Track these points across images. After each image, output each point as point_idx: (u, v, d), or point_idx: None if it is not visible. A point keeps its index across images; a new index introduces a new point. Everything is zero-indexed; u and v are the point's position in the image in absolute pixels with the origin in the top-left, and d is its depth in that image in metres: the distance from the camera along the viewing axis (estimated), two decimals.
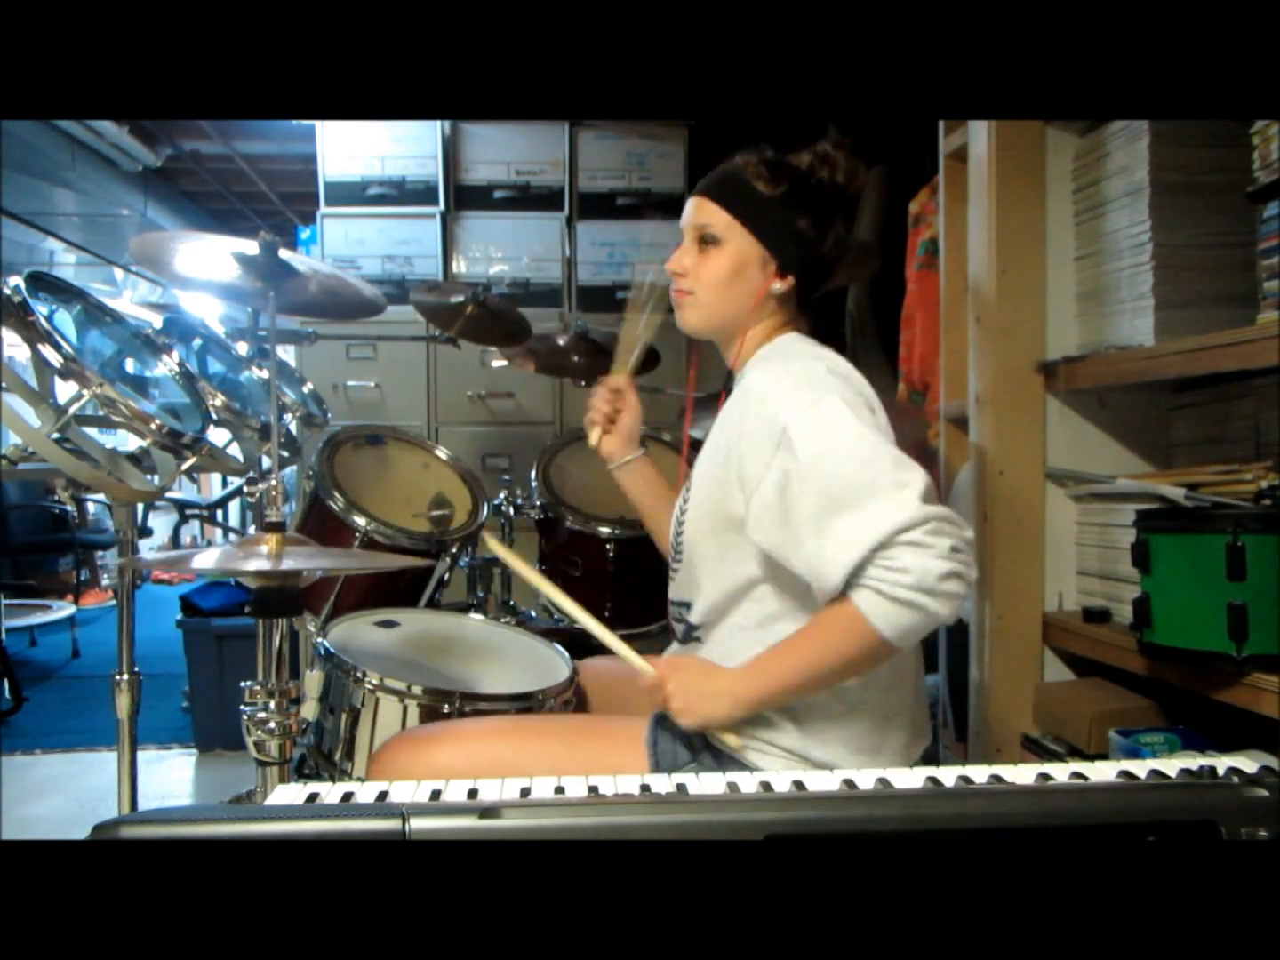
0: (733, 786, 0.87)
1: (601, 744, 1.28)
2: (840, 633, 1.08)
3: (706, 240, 1.29)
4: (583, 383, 2.60)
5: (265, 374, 2.21)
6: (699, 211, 1.29)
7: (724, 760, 1.20)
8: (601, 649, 1.39)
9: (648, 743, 1.24)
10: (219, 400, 1.94)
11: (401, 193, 3.55)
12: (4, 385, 1.49)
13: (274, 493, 1.50)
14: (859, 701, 1.18)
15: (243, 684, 1.48)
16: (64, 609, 5.19)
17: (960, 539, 1.05)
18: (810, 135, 1.28)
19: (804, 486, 1.08)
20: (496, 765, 1.17)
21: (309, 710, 1.50)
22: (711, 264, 1.28)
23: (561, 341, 2.47)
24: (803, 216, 1.25)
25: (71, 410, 1.51)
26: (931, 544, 1.02)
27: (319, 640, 1.63)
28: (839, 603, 1.07)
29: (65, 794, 2.90)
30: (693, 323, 1.33)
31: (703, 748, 1.22)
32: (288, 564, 1.35)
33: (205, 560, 1.56)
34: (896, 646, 1.06)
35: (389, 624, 1.80)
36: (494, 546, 1.54)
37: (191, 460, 1.66)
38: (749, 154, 1.28)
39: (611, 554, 2.12)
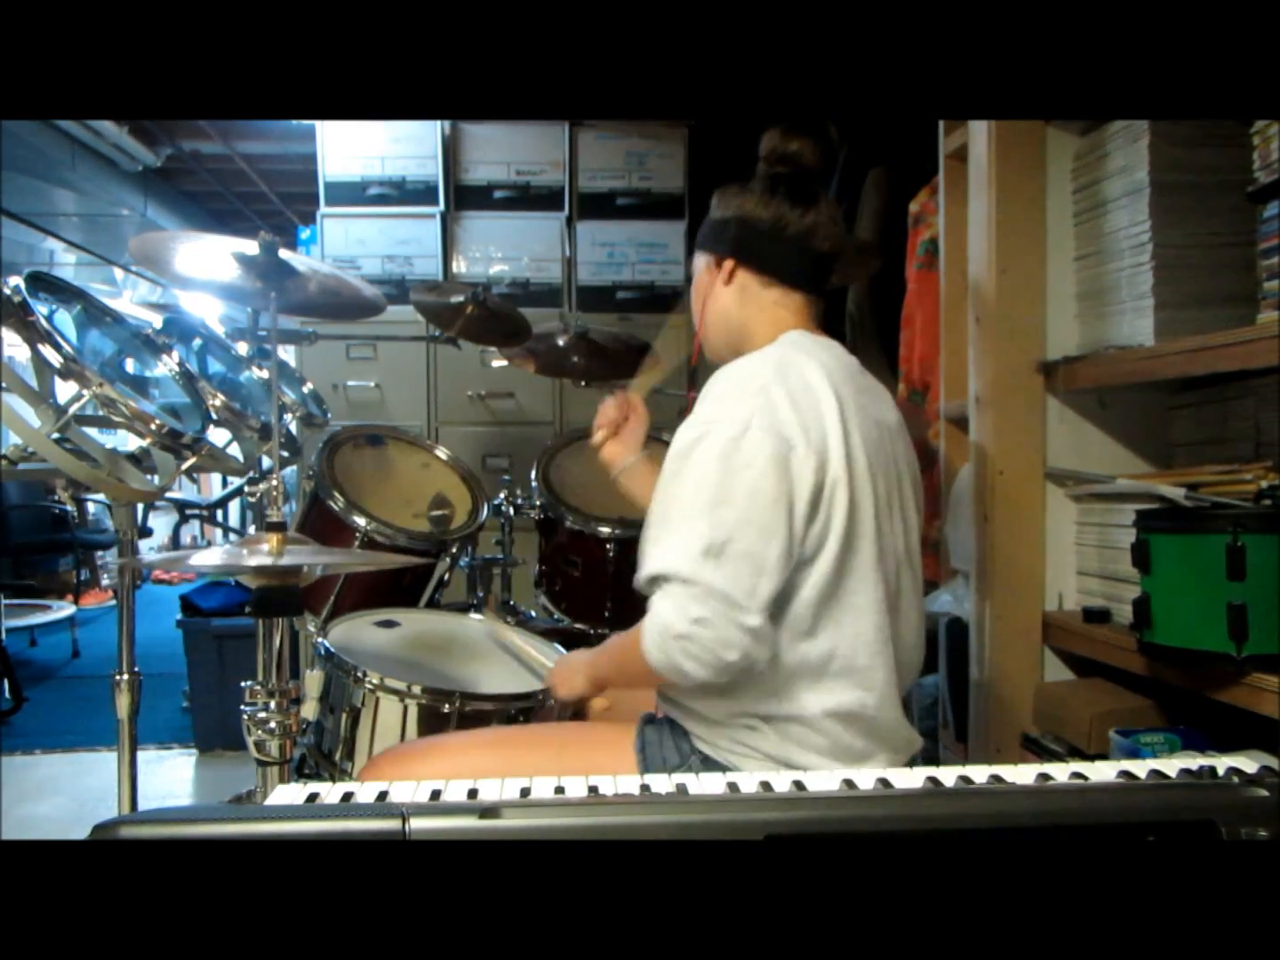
0: (733, 786, 0.87)
1: (591, 751, 1.29)
2: (634, 643, 1.14)
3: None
4: (583, 383, 2.60)
5: (265, 374, 2.21)
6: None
7: (712, 765, 1.20)
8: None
9: (636, 747, 1.24)
10: (219, 400, 1.93)
11: (401, 193, 3.54)
12: (4, 385, 1.49)
13: (274, 493, 1.50)
14: (845, 714, 1.17)
15: (243, 684, 1.48)
16: (64, 609, 5.19)
17: (722, 619, 1.07)
18: (821, 138, 1.29)
19: (659, 490, 1.18)
20: (486, 776, 1.18)
21: (309, 710, 1.50)
22: (692, 301, 1.38)
23: (561, 341, 2.47)
24: (737, 209, 1.29)
25: (71, 410, 1.51)
26: (682, 605, 1.08)
27: (319, 640, 1.64)
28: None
29: (65, 794, 2.90)
30: (708, 354, 1.40)
31: (690, 752, 1.22)
32: (288, 560, 1.35)
33: (205, 560, 1.56)
34: (660, 675, 1.13)
35: (389, 624, 1.80)
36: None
37: (191, 460, 1.66)
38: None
39: (611, 554, 2.12)
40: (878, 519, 1.18)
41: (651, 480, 1.53)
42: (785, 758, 1.17)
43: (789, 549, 1.11)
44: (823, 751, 1.18)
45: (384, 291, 2.47)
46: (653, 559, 1.13)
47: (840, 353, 1.28)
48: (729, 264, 1.30)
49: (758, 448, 1.11)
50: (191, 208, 5.87)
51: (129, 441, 1.77)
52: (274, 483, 1.53)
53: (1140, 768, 0.87)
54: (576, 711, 1.57)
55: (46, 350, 1.45)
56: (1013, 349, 1.88)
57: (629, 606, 2.17)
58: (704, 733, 1.21)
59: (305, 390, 2.55)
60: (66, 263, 6.19)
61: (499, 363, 2.88)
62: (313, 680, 1.52)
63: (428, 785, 0.86)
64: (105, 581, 6.62)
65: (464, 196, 3.60)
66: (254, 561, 1.33)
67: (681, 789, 0.87)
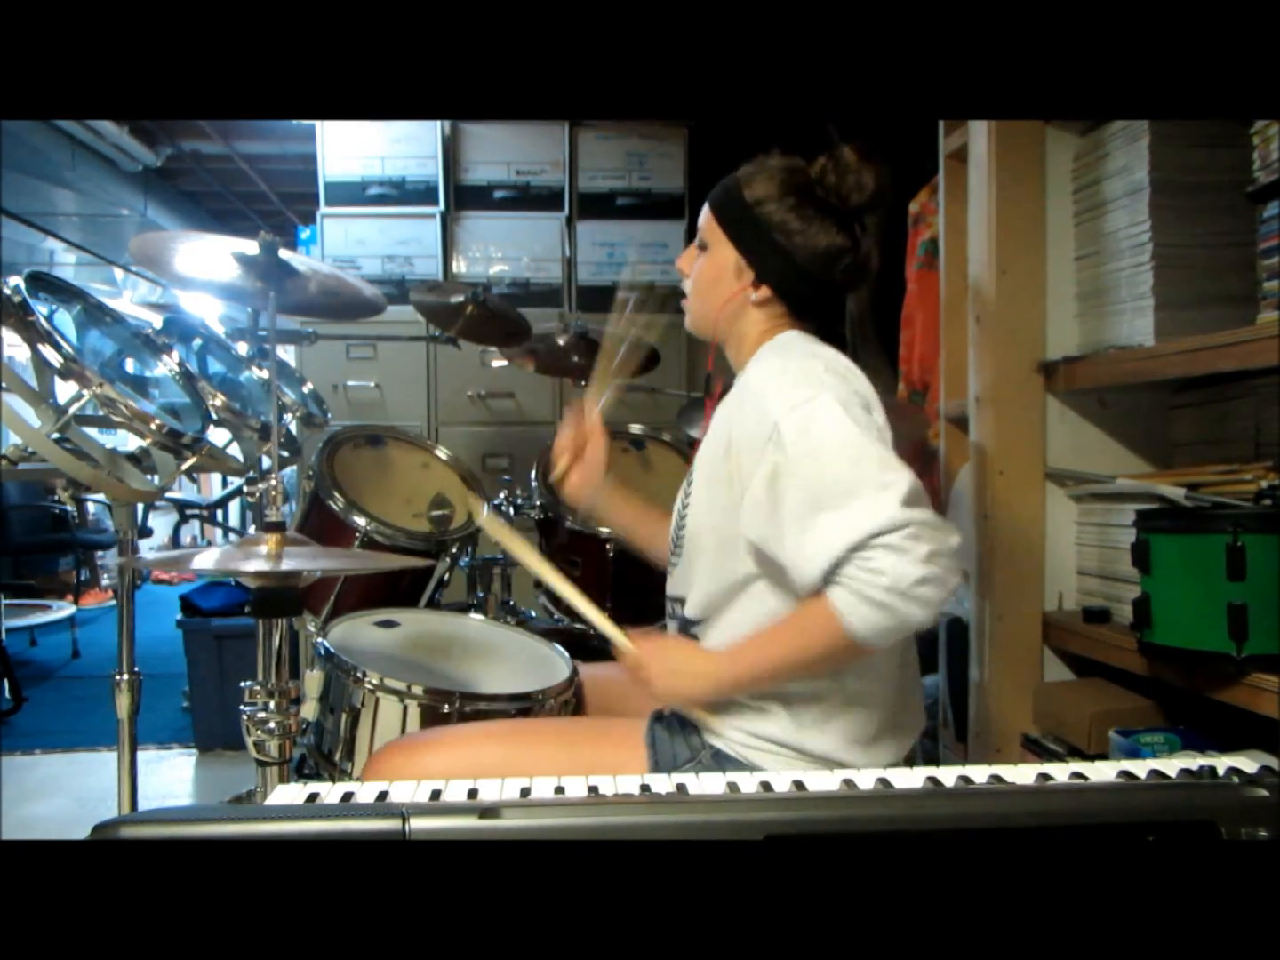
0: (733, 786, 0.87)
1: (600, 745, 1.28)
2: (814, 628, 1.09)
3: (700, 246, 1.32)
4: (583, 383, 2.60)
5: (265, 374, 2.21)
6: (702, 217, 1.32)
7: (723, 759, 1.20)
8: (598, 653, 1.39)
9: (646, 741, 1.24)
10: (219, 400, 1.93)
11: (401, 193, 3.55)
12: (4, 385, 1.49)
13: (274, 493, 1.50)
14: (855, 693, 1.18)
15: (243, 684, 1.48)
16: (64, 609, 5.19)
17: (941, 545, 1.04)
18: (821, 139, 1.27)
19: (791, 482, 1.09)
20: (492, 770, 1.17)
21: (309, 710, 1.50)
22: (699, 268, 1.32)
23: (561, 341, 2.47)
24: (785, 227, 1.24)
25: (71, 410, 1.51)
26: (908, 549, 1.02)
27: (319, 640, 1.63)
28: (816, 599, 1.08)
29: (65, 794, 2.90)
30: (687, 324, 1.38)
31: (701, 746, 1.22)
32: (288, 564, 1.35)
33: (205, 560, 1.56)
34: (868, 646, 1.06)
35: (389, 624, 1.80)
36: (486, 524, 1.54)
37: (191, 460, 1.66)
38: (756, 160, 1.29)
39: (611, 554, 2.12)
40: None
41: (624, 506, 1.52)
42: (798, 744, 1.18)
43: None
44: (838, 733, 1.18)
45: (384, 291, 2.48)
46: (836, 534, 1.04)
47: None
48: (764, 292, 1.26)
49: (859, 400, 1.14)
50: (191, 208, 5.87)
51: (129, 441, 1.77)
52: (273, 482, 1.53)
53: (1140, 768, 0.87)
54: (577, 706, 1.57)
55: (46, 350, 1.45)
56: (1013, 349, 1.88)
57: (629, 606, 2.17)
58: (715, 725, 1.21)
59: (305, 390, 2.55)
60: (66, 263, 6.19)
61: (499, 363, 2.88)
62: (312, 680, 1.52)
63: (428, 785, 0.87)
64: (105, 581, 6.61)
65: (464, 196, 3.60)
66: (252, 565, 1.33)
67: (681, 789, 0.87)
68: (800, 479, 1.08)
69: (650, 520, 1.49)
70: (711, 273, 1.30)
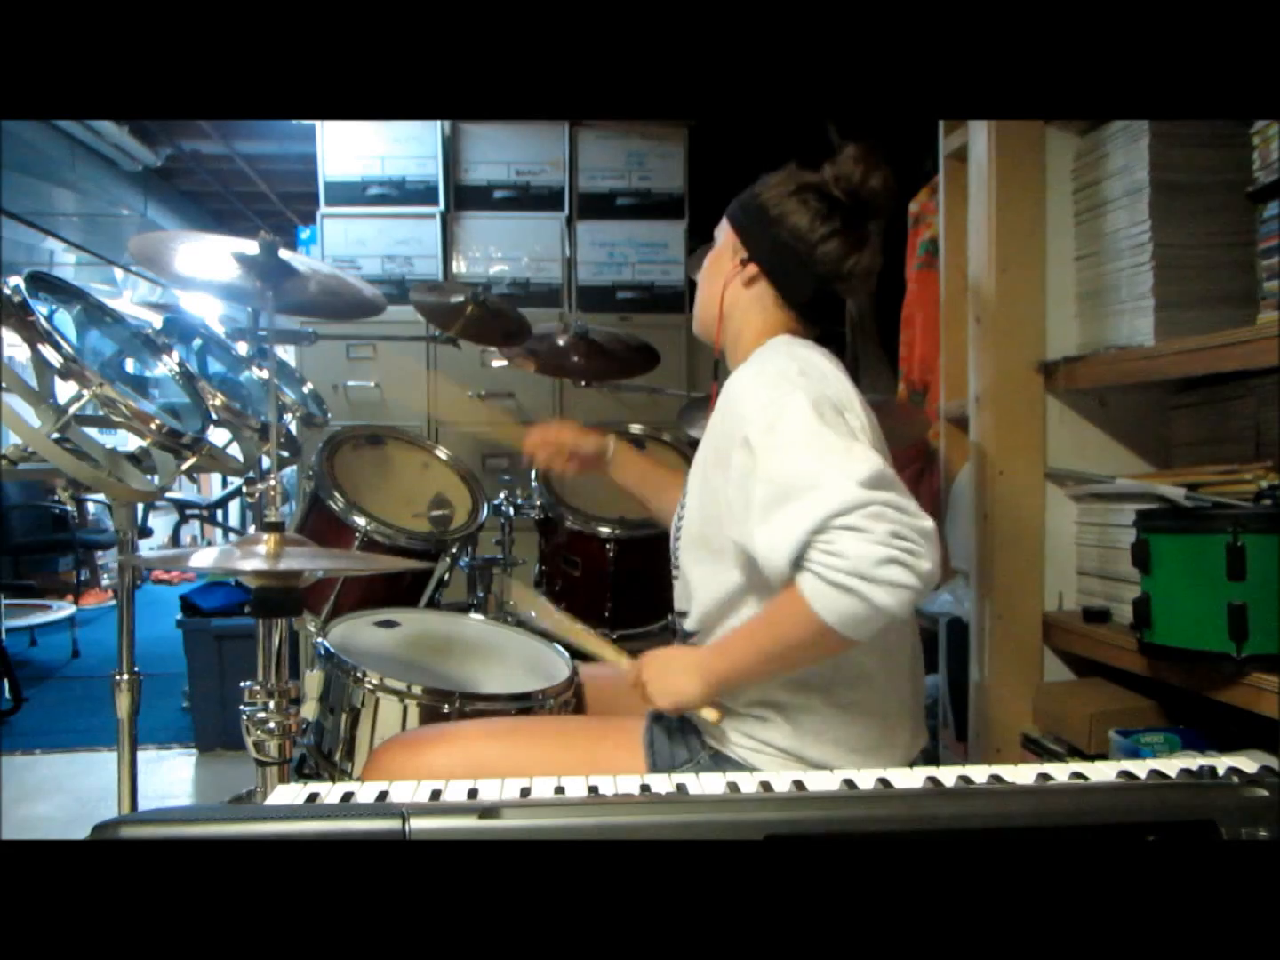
0: (733, 786, 0.87)
1: (599, 744, 1.28)
2: (788, 617, 1.08)
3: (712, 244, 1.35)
4: (583, 383, 2.60)
5: (265, 374, 2.21)
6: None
7: (721, 760, 1.20)
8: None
9: (645, 742, 1.24)
10: (219, 400, 1.94)
11: (401, 193, 3.54)
12: (4, 385, 1.49)
13: (273, 493, 1.50)
14: (853, 702, 1.18)
15: (243, 684, 1.48)
16: (64, 609, 5.19)
17: (905, 525, 1.01)
18: (821, 139, 1.28)
19: (757, 478, 1.10)
20: (493, 767, 1.17)
21: (309, 710, 1.50)
22: (705, 261, 1.36)
23: (561, 341, 2.47)
24: (781, 208, 1.26)
25: (71, 410, 1.51)
26: (868, 528, 1.00)
27: (319, 640, 1.63)
28: (789, 589, 1.07)
29: (65, 794, 2.90)
30: (694, 327, 1.40)
31: (700, 748, 1.22)
32: (286, 564, 1.35)
33: (204, 559, 1.56)
34: (843, 634, 1.04)
35: (389, 624, 1.80)
36: (523, 596, 1.56)
37: (191, 460, 1.66)
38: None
39: (611, 554, 2.12)
40: None
41: (638, 461, 1.56)
42: (798, 751, 1.18)
43: None
44: (836, 743, 1.18)
45: (384, 291, 2.48)
46: (798, 520, 1.03)
47: (828, 352, 1.29)
48: (752, 269, 1.28)
49: (831, 401, 1.13)
50: (191, 208, 5.87)
51: (129, 441, 1.77)
52: (272, 482, 1.52)
53: (1140, 768, 0.87)
54: (577, 706, 1.57)
55: (46, 350, 1.45)
56: (1013, 349, 1.88)
57: (629, 606, 2.18)
58: (718, 727, 1.21)
59: (305, 390, 2.55)
60: (66, 263, 6.19)
61: (499, 363, 2.88)
62: (312, 680, 1.52)
63: (428, 785, 0.87)
64: (105, 581, 6.61)
65: (464, 196, 3.60)
66: (252, 565, 1.33)
67: (681, 789, 0.87)
68: (766, 474, 1.09)
69: (666, 489, 1.52)
70: (713, 259, 1.34)
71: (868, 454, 1.06)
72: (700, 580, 1.24)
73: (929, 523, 1.04)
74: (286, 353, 3.08)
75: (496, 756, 1.25)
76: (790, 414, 1.10)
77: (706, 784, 0.89)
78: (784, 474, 1.07)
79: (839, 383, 1.19)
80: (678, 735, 1.24)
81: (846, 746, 1.18)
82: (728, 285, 1.30)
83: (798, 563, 1.04)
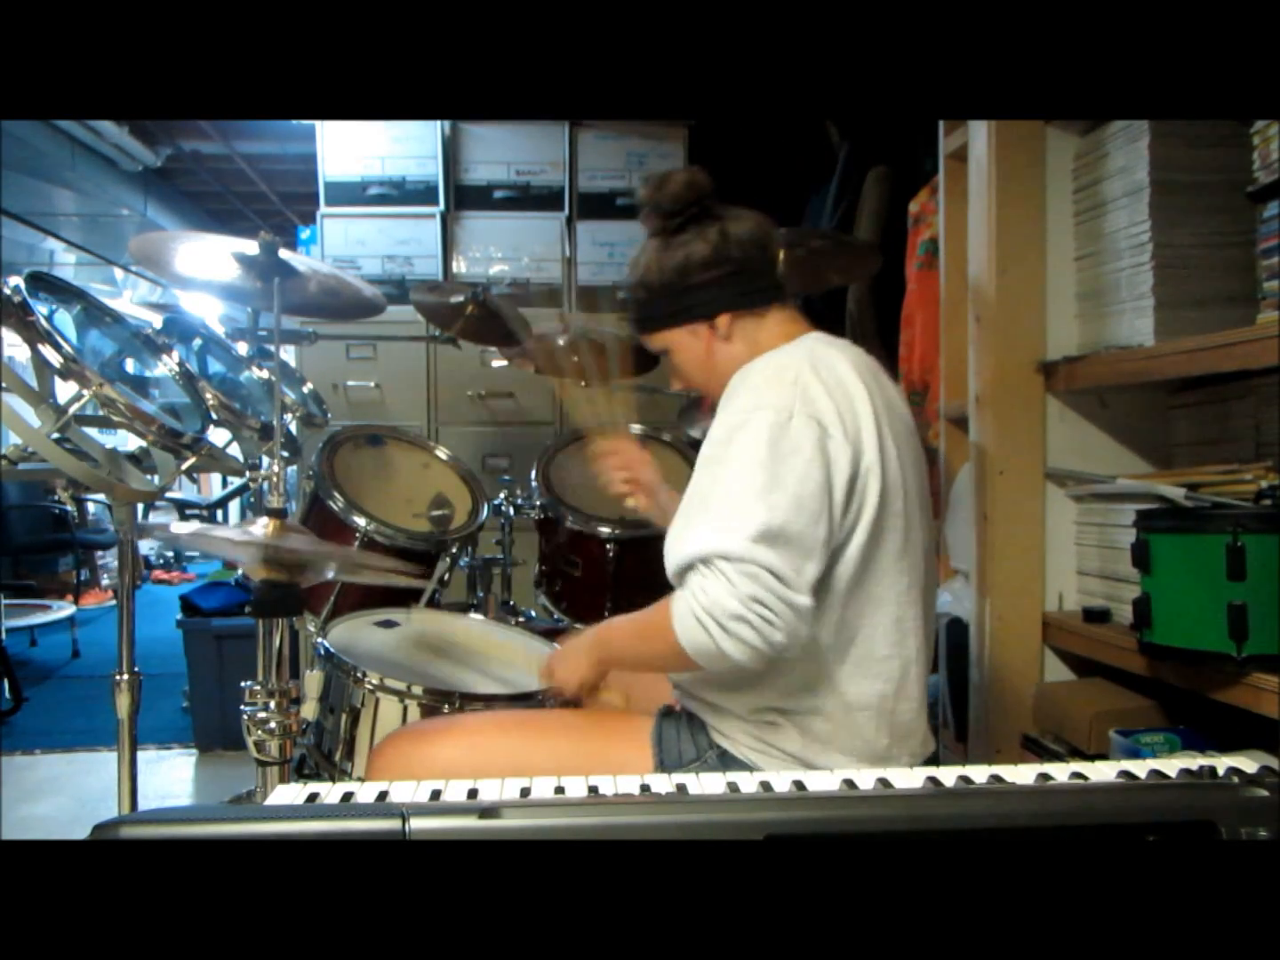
0: (733, 786, 0.87)
1: (607, 740, 1.28)
2: (655, 625, 1.13)
3: (664, 355, 1.34)
4: (583, 383, 2.59)
5: (265, 374, 2.21)
6: (645, 344, 1.35)
7: (729, 760, 1.20)
8: None
9: (653, 739, 1.24)
10: (219, 400, 1.93)
11: (401, 193, 3.54)
12: (4, 385, 1.49)
13: (275, 479, 1.50)
14: (864, 709, 1.18)
15: (243, 684, 1.48)
16: (64, 609, 5.19)
17: (773, 595, 1.04)
18: (821, 138, 1.28)
19: (694, 479, 1.15)
20: (500, 760, 1.17)
21: (309, 710, 1.50)
22: (680, 368, 1.33)
23: (561, 341, 2.47)
24: (687, 261, 1.26)
25: (71, 410, 1.51)
26: (736, 583, 1.04)
27: (319, 640, 1.64)
28: (667, 598, 1.12)
29: (65, 794, 2.90)
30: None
31: (708, 746, 1.22)
32: (288, 544, 1.35)
33: (210, 534, 1.55)
34: (695, 659, 1.08)
35: (389, 624, 1.80)
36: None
37: (191, 460, 1.66)
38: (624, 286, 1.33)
39: (611, 554, 2.12)
40: (907, 512, 1.19)
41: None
42: (807, 759, 1.18)
43: (830, 535, 1.11)
44: (845, 750, 1.18)
45: (384, 291, 2.48)
46: (695, 541, 1.08)
47: (861, 352, 1.28)
48: (723, 321, 1.26)
49: (803, 434, 1.11)
50: (191, 208, 5.87)
51: (129, 441, 1.77)
52: (275, 468, 1.52)
53: (1140, 768, 0.87)
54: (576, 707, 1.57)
55: (46, 350, 1.45)
56: (1013, 349, 1.88)
57: (629, 606, 2.17)
58: (724, 727, 1.21)
59: (305, 390, 2.55)
60: (66, 263, 6.19)
61: (499, 363, 2.88)
62: (312, 680, 1.52)
63: (428, 785, 0.87)
64: (105, 581, 6.62)
65: (464, 196, 3.60)
66: (249, 552, 1.34)
67: (681, 789, 0.87)
68: (697, 481, 1.14)
69: None
70: (683, 362, 1.31)
71: (783, 505, 1.07)
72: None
73: (802, 599, 1.07)
74: (286, 353, 3.08)
75: (504, 749, 1.25)
76: (745, 435, 1.12)
77: (706, 784, 0.89)
78: (706, 492, 1.12)
79: (832, 398, 1.15)
80: (686, 733, 1.24)
81: (855, 755, 1.18)
82: (713, 353, 1.28)
83: (681, 577, 1.10)
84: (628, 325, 1.36)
